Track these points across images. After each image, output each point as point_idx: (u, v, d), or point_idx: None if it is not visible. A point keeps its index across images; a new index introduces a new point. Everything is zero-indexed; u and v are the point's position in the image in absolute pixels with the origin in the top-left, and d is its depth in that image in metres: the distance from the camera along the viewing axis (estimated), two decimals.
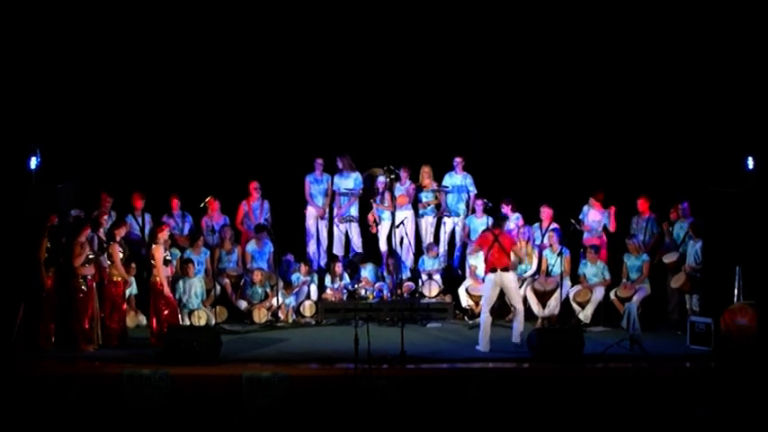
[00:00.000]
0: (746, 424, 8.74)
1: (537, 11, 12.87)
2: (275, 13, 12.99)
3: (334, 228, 12.94)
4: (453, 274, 12.81)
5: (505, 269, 10.54)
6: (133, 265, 11.50)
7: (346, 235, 12.94)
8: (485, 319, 10.42)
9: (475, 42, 13.05)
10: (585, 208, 12.17)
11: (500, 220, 10.99)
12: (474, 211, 12.62)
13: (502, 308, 11.78)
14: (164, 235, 10.87)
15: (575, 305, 11.66)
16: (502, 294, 11.02)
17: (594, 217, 12.14)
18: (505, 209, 12.25)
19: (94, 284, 10.63)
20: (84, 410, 9.06)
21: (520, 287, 11.77)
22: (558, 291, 11.47)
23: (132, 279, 11.55)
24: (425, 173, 12.73)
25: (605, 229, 12.16)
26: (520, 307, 10.70)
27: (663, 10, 12.59)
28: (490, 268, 10.52)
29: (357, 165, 12.77)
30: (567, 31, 12.89)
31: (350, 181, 12.80)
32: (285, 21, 13.03)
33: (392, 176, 11.88)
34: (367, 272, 12.52)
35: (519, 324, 10.62)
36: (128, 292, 11.51)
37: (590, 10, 12.78)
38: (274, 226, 12.52)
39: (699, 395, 9.08)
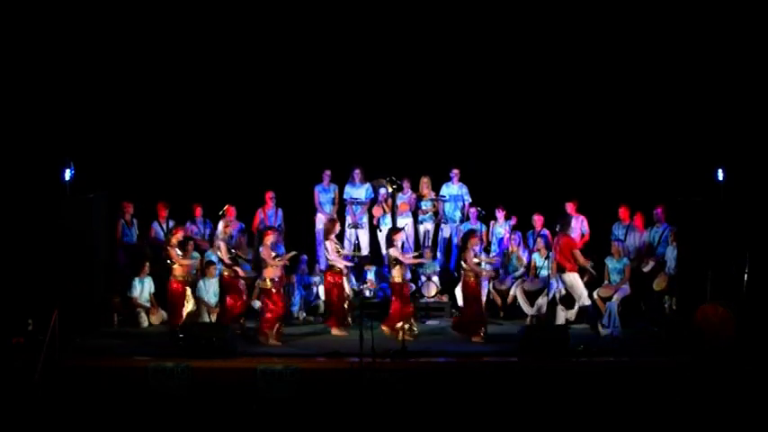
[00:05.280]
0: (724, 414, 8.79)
1: (522, 38, 12.93)
2: (290, 44, 13.10)
3: (345, 233, 12.92)
4: (450, 276, 12.83)
5: (562, 270, 10.72)
6: (147, 263, 11.59)
7: (356, 240, 12.93)
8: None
9: (469, 68, 13.14)
10: None
11: (564, 224, 10.98)
12: (468, 219, 12.65)
13: (493, 306, 11.87)
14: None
15: (561, 304, 11.67)
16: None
17: (572, 223, 12.17)
18: (500, 214, 12.33)
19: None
20: (116, 398, 9.13)
21: (510, 287, 11.88)
22: (546, 291, 11.50)
23: (150, 278, 11.62)
24: (424, 183, 12.73)
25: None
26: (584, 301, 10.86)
27: (636, 30, 12.59)
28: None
29: (365, 176, 12.81)
30: (552, 58, 12.96)
31: (361, 191, 12.82)
32: (298, 49, 13.12)
33: (395, 186, 11.91)
34: (372, 274, 12.53)
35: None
36: (147, 291, 11.59)
37: (569, 35, 12.83)
38: (287, 231, 12.56)
39: (674, 386, 9.11)
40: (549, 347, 9.71)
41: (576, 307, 11.22)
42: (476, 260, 10.84)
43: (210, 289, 11.39)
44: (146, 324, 11.53)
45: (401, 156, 12.88)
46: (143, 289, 11.61)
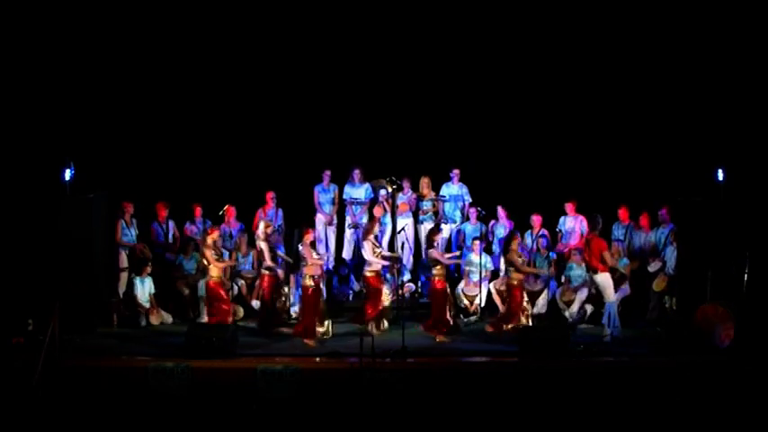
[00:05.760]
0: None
1: (521, 39, 12.92)
2: (290, 47, 13.10)
3: (345, 233, 12.92)
4: (450, 276, 12.79)
5: (594, 271, 10.68)
6: (149, 263, 11.57)
7: (356, 241, 12.92)
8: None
9: (468, 68, 13.13)
10: (562, 218, 12.20)
11: (595, 224, 10.93)
12: (468, 219, 12.64)
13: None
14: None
15: (561, 304, 11.65)
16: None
17: (570, 224, 12.18)
18: (501, 213, 12.31)
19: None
20: (116, 398, 9.14)
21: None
22: (546, 291, 11.49)
23: (150, 278, 11.61)
24: (425, 183, 12.71)
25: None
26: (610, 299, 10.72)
27: (636, 30, 12.58)
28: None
29: (365, 176, 12.80)
30: (552, 58, 12.95)
31: (361, 191, 12.81)
32: (298, 50, 13.12)
33: (395, 186, 11.90)
34: None
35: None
36: (148, 291, 11.57)
37: (568, 35, 12.83)
38: (287, 232, 12.56)
39: (674, 386, 9.10)
40: (549, 347, 9.69)
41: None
42: (520, 260, 10.83)
43: None
44: (145, 324, 11.52)
45: (401, 156, 12.85)
46: (143, 289, 11.61)
